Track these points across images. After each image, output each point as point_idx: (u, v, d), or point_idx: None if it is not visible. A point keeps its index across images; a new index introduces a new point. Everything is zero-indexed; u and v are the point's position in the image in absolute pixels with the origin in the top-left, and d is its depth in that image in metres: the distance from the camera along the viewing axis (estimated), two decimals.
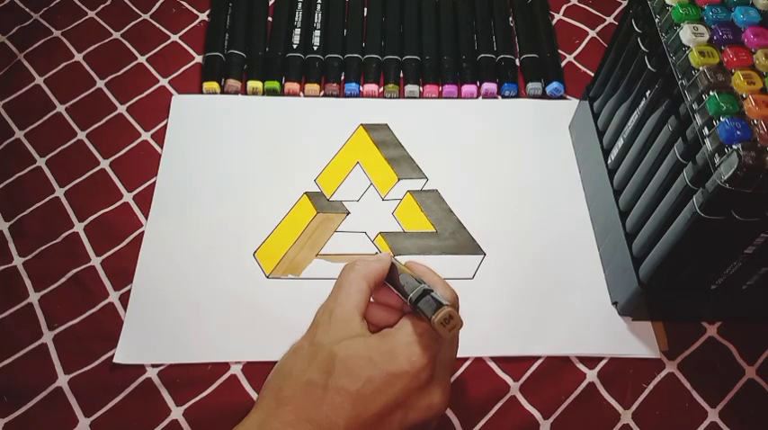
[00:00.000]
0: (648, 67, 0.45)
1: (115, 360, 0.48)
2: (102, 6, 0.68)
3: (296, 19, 0.66)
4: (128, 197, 0.56)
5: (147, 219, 0.54)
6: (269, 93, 0.62)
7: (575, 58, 0.66)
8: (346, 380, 0.34)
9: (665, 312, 0.50)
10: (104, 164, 0.58)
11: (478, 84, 0.63)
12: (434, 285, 0.38)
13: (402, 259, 0.42)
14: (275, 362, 0.48)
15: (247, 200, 0.56)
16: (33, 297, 0.51)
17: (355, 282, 0.38)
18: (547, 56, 0.64)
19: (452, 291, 0.39)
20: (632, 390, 0.48)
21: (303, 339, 0.38)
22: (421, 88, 0.63)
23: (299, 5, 0.67)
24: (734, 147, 0.36)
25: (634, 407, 0.47)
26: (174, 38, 0.66)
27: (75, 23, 0.67)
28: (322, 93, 0.63)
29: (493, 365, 0.48)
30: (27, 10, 0.68)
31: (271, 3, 0.68)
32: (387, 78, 0.63)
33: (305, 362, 0.36)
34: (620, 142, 0.50)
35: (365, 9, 0.68)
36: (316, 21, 0.66)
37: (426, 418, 0.36)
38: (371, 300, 0.40)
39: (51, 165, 0.58)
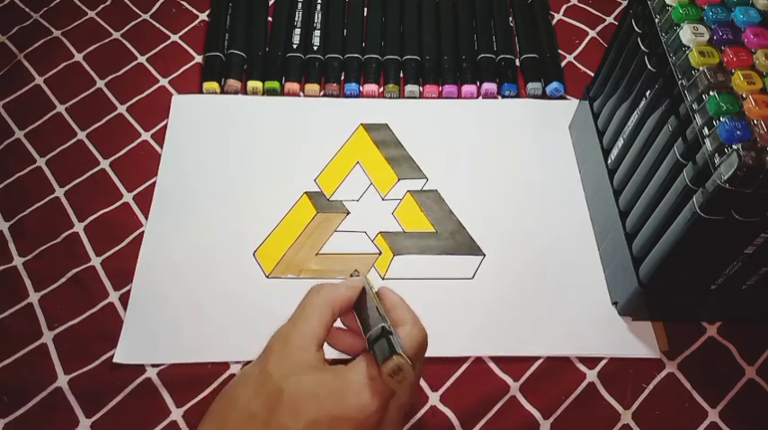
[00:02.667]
0: (648, 67, 0.45)
1: (115, 360, 0.48)
2: (102, 6, 0.68)
3: (296, 19, 0.66)
4: (128, 197, 0.56)
5: (147, 219, 0.54)
6: (269, 93, 0.62)
7: (575, 58, 0.66)
8: (289, 419, 0.32)
9: (665, 312, 0.50)
10: (104, 164, 0.58)
11: (478, 84, 0.63)
12: (401, 323, 0.36)
13: (381, 282, 0.40)
14: None
15: (247, 200, 0.56)
16: (33, 297, 0.51)
17: (318, 309, 0.36)
18: (547, 56, 0.64)
19: (420, 331, 0.36)
20: (632, 390, 0.48)
21: (254, 365, 0.36)
22: (421, 88, 0.63)
23: (299, 5, 0.67)
24: (734, 147, 0.36)
25: (634, 407, 0.47)
26: (174, 38, 0.66)
27: (75, 23, 0.67)
28: (322, 93, 0.63)
29: (493, 365, 0.48)
30: (27, 10, 0.68)
31: (271, 3, 0.68)
32: (387, 78, 0.63)
33: (251, 392, 0.34)
34: (620, 142, 0.50)
35: (365, 9, 0.68)
36: (316, 21, 0.66)
37: None
38: (338, 324, 0.38)
39: (51, 165, 0.58)
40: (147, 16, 0.68)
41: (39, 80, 0.63)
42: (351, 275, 0.40)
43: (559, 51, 0.65)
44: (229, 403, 0.34)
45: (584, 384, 0.48)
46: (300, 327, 0.35)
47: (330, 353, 0.37)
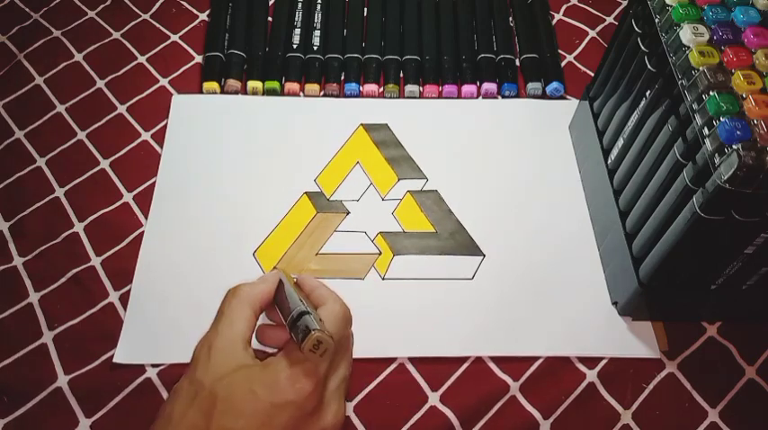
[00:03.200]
0: (648, 67, 0.45)
1: (115, 360, 0.48)
2: (102, 6, 0.68)
3: (296, 19, 0.66)
4: (128, 197, 0.56)
5: (146, 219, 0.54)
6: (269, 93, 0.62)
7: (575, 58, 0.66)
8: (229, 420, 0.33)
9: (665, 312, 0.50)
10: (104, 164, 0.58)
11: (478, 84, 0.63)
12: (322, 301, 0.37)
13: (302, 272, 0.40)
14: None
15: (247, 200, 0.56)
16: (33, 297, 0.51)
17: (237, 310, 0.36)
18: (547, 56, 0.64)
19: (340, 306, 0.37)
20: (632, 390, 0.48)
21: (182, 379, 0.35)
22: (421, 88, 0.63)
23: (299, 5, 0.67)
24: (734, 147, 0.36)
25: (634, 407, 0.47)
26: (174, 38, 0.66)
27: (75, 23, 0.67)
28: (322, 93, 0.63)
29: (493, 365, 0.48)
30: (27, 10, 0.68)
31: (271, 3, 0.68)
32: (387, 78, 0.63)
33: (185, 405, 0.34)
34: (620, 142, 0.50)
35: (365, 9, 0.68)
36: (316, 21, 0.66)
37: None
38: (264, 320, 0.38)
39: (51, 165, 0.58)
40: (147, 16, 0.68)
41: (39, 80, 0.63)
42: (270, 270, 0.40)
43: (559, 51, 0.65)
44: (166, 422, 0.34)
45: (584, 384, 0.48)
46: (223, 332, 0.36)
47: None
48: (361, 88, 0.63)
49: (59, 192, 0.56)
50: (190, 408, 0.33)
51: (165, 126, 0.60)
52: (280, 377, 0.34)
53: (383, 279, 0.52)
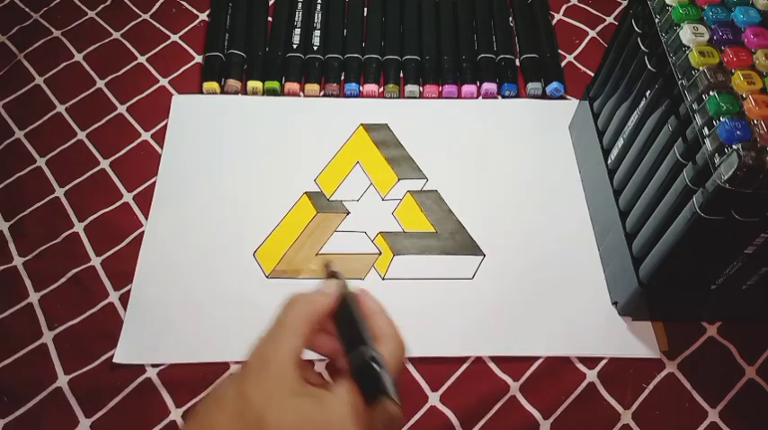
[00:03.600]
0: (648, 67, 0.45)
1: (115, 360, 0.48)
2: (102, 6, 0.68)
3: (296, 19, 0.66)
4: (128, 197, 0.56)
5: (146, 219, 0.54)
6: (269, 93, 0.62)
7: (575, 58, 0.66)
8: None
9: (665, 312, 0.50)
10: (104, 164, 0.58)
11: (478, 84, 0.63)
12: (381, 336, 0.34)
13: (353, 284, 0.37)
14: None
15: (247, 199, 0.56)
16: (33, 297, 0.51)
17: (295, 323, 0.35)
18: (547, 56, 0.64)
19: (401, 348, 0.35)
20: (632, 390, 0.48)
21: (230, 386, 0.34)
22: (421, 88, 0.63)
23: (299, 5, 0.67)
24: (734, 147, 0.36)
25: (634, 407, 0.47)
26: (174, 38, 0.66)
27: (75, 23, 0.67)
28: (322, 93, 0.63)
29: (493, 365, 0.48)
30: (27, 10, 0.68)
31: (271, 3, 0.68)
32: (387, 78, 0.63)
33: (229, 418, 0.32)
34: (620, 142, 0.50)
35: (365, 9, 0.68)
36: (316, 21, 0.66)
37: None
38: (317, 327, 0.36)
39: (51, 165, 0.58)
40: (147, 16, 0.68)
41: (39, 80, 0.63)
42: (327, 275, 0.37)
43: (559, 51, 0.65)
44: (208, 428, 0.33)
45: (584, 384, 0.48)
46: (278, 347, 0.34)
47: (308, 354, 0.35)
48: (361, 88, 0.63)
49: (59, 192, 0.56)
50: (233, 424, 0.32)
51: (165, 126, 0.60)
52: (332, 421, 0.32)
53: (383, 279, 0.52)
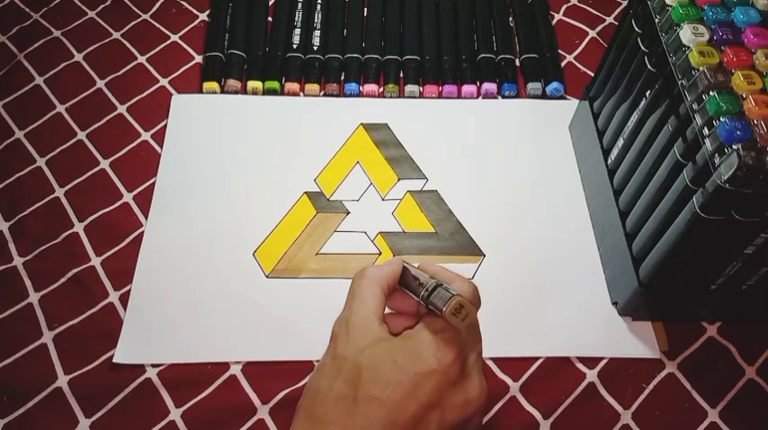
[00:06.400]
0: (648, 67, 0.45)
1: (115, 360, 0.48)
2: (102, 6, 0.68)
3: (296, 19, 0.66)
4: (128, 197, 0.56)
5: (146, 219, 0.54)
6: (269, 93, 0.62)
7: (575, 58, 0.66)
8: (375, 388, 0.33)
9: (665, 312, 0.50)
10: (104, 164, 0.58)
11: (478, 84, 0.63)
12: (450, 281, 0.37)
13: (412, 261, 0.41)
14: (275, 362, 0.48)
15: (247, 199, 0.56)
16: (33, 297, 0.51)
17: (368, 288, 0.37)
18: (547, 56, 0.64)
19: (470, 284, 0.38)
20: (632, 390, 0.48)
21: (325, 355, 0.37)
22: (421, 88, 0.63)
23: (299, 5, 0.67)
24: (734, 147, 0.36)
25: (634, 407, 0.47)
26: (174, 38, 0.66)
27: (75, 23, 0.67)
28: (322, 93, 0.63)
29: (493, 365, 0.48)
30: (27, 10, 0.68)
31: (271, 3, 0.68)
32: (387, 78, 0.63)
33: (331, 378, 0.35)
34: (620, 142, 0.50)
35: (365, 9, 0.68)
36: (316, 21, 0.66)
37: (465, 416, 0.35)
38: (386, 310, 0.39)
39: (51, 165, 0.58)
40: (147, 16, 0.68)
41: (39, 80, 0.63)
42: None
43: (559, 51, 0.65)
44: (314, 394, 0.35)
45: (584, 384, 0.48)
46: (357, 309, 0.36)
47: None
48: (361, 88, 0.63)
49: (59, 192, 0.56)
50: (336, 380, 0.34)
51: (165, 126, 0.60)
52: (421, 347, 0.34)
53: None
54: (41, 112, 0.61)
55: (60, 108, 0.61)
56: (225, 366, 0.48)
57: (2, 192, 0.56)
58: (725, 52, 0.40)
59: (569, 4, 0.69)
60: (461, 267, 0.53)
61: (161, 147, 0.59)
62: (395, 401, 0.33)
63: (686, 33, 0.41)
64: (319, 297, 0.51)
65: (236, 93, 0.62)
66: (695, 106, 0.39)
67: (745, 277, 0.45)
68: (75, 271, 0.52)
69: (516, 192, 0.57)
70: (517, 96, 0.63)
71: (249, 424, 0.46)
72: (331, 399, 0.34)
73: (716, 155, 0.37)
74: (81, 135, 0.60)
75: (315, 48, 0.64)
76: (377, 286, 0.37)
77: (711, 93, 0.38)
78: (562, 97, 0.63)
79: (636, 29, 0.47)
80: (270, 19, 0.67)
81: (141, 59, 0.65)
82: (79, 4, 0.69)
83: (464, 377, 0.35)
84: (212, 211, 0.55)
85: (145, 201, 0.55)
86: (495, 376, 0.48)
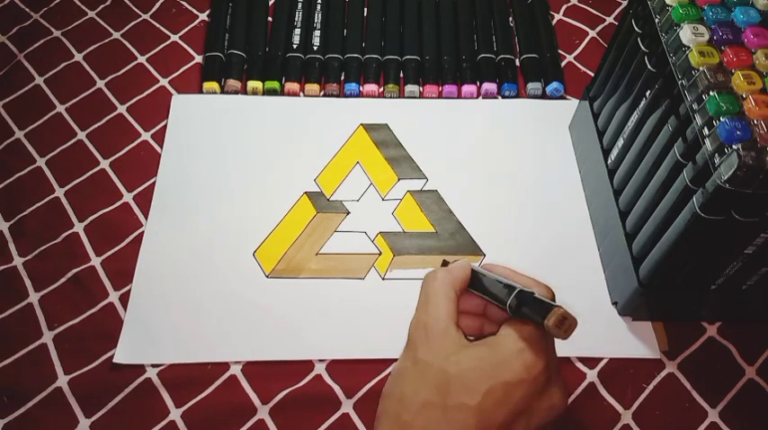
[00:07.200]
0: (648, 67, 0.45)
1: (115, 360, 0.48)
2: (102, 6, 0.68)
3: (296, 19, 0.66)
4: (128, 197, 0.56)
5: (146, 219, 0.54)
6: (269, 93, 0.62)
7: (575, 58, 0.66)
8: (465, 396, 0.33)
9: (665, 312, 0.50)
10: (104, 164, 0.58)
11: (478, 84, 0.63)
12: (529, 286, 0.37)
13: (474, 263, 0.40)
14: (275, 362, 0.48)
15: (247, 199, 0.56)
16: (33, 297, 0.51)
17: (442, 291, 0.37)
18: (547, 56, 0.64)
19: (548, 288, 0.38)
20: (632, 390, 0.48)
21: (404, 360, 0.36)
22: (421, 88, 0.63)
23: (299, 5, 0.67)
24: (734, 147, 0.36)
25: (634, 407, 0.47)
26: (174, 38, 0.66)
27: (75, 23, 0.67)
28: (322, 93, 0.63)
29: None
30: (27, 10, 0.68)
31: (271, 3, 0.68)
32: (387, 78, 0.63)
33: (416, 384, 0.34)
34: (620, 142, 0.50)
35: (365, 9, 0.68)
36: (316, 21, 0.66)
37: (549, 420, 0.35)
38: None
39: (51, 165, 0.58)
40: (147, 16, 0.68)
41: (39, 80, 0.63)
42: (443, 264, 0.40)
43: (559, 51, 0.65)
44: (398, 400, 0.34)
45: (584, 384, 0.48)
46: (434, 313, 0.36)
47: None
48: (361, 88, 0.63)
49: (59, 192, 0.56)
50: (422, 387, 0.34)
51: (165, 126, 0.60)
52: (509, 356, 0.34)
53: (383, 279, 0.52)
54: (41, 112, 0.61)
55: (60, 108, 0.61)
56: (225, 366, 0.48)
57: (2, 192, 0.56)
58: (725, 52, 0.40)
59: (569, 4, 0.69)
60: None
61: (161, 147, 0.59)
62: (486, 409, 0.33)
63: (686, 33, 0.41)
64: (319, 297, 0.51)
65: (236, 93, 0.62)
66: (695, 106, 0.39)
67: (745, 277, 0.45)
68: (75, 271, 0.52)
69: (516, 192, 0.57)
70: (517, 96, 0.63)
71: (249, 424, 0.46)
72: (418, 406, 0.33)
73: (716, 155, 0.37)
74: (81, 135, 0.60)
75: (315, 48, 0.64)
76: (451, 289, 0.37)
77: (711, 93, 0.38)
78: (562, 97, 0.63)
79: (636, 29, 0.47)
80: (270, 19, 0.67)
81: (141, 59, 0.65)
82: (79, 4, 0.69)
83: (549, 383, 0.35)
84: (212, 211, 0.55)
85: (145, 201, 0.55)
86: None
